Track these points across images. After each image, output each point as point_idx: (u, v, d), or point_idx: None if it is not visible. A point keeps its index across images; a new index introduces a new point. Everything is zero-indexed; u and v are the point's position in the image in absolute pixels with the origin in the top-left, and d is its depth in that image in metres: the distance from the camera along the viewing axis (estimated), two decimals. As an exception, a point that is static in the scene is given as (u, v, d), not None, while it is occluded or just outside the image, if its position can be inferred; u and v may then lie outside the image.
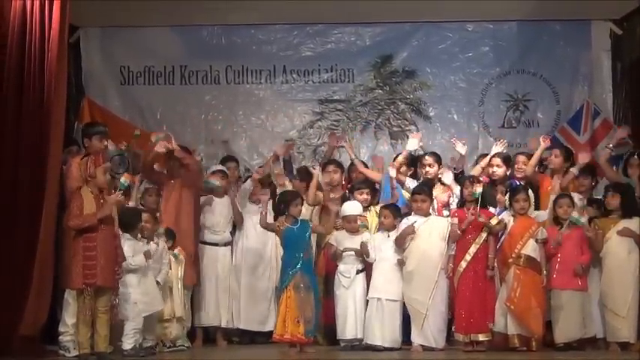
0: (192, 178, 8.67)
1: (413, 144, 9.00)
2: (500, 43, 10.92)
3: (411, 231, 8.01)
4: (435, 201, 8.46)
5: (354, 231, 8.26)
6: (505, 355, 7.36)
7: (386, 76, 10.97)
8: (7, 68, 7.49)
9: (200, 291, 8.71)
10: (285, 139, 10.66)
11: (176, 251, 8.17)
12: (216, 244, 8.82)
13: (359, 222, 8.33)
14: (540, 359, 6.86)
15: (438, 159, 8.85)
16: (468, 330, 7.78)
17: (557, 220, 8.13)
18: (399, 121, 10.94)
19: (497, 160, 8.74)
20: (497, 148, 8.87)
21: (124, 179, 7.43)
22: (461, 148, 8.98)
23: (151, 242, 7.79)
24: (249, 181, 9.04)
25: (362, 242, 8.14)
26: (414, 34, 10.97)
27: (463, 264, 7.87)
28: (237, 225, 8.90)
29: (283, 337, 7.71)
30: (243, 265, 8.85)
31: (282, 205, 7.94)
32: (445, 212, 8.45)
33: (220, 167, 9.05)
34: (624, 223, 8.05)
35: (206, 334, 8.83)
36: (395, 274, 8.10)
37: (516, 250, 7.88)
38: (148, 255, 7.57)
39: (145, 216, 7.90)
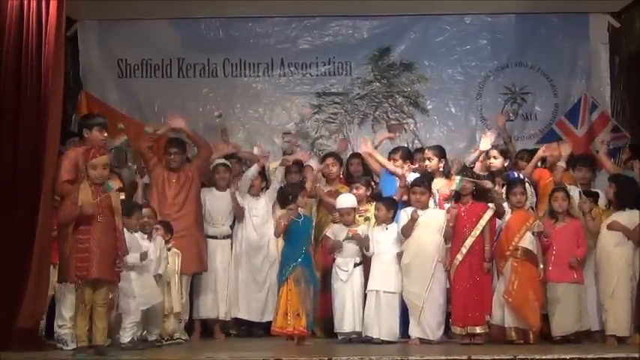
0: (203, 164, 8.84)
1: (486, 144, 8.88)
2: (498, 36, 10.94)
3: (416, 216, 8.02)
4: (437, 194, 8.46)
5: (348, 224, 8.27)
6: (503, 348, 7.36)
7: (384, 69, 10.97)
8: (5, 62, 7.47)
9: (199, 283, 8.73)
10: (283, 132, 10.68)
11: (160, 238, 8.13)
12: (215, 237, 8.83)
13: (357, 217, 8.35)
14: (538, 352, 6.85)
15: (438, 153, 8.83)
16: (465, 322, 7.80)
17: (553, 214, 8.14)
18: (397, 114, 10.94)
19: (494, 152, 8.76)
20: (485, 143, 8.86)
21: (112, 183, 7.39)
22: (485, 144, 8.84)
23: (146, 240, 7.75)
24: (252, 168, 9.00)
25: (362, 235, 8.16)
26: (411, 27, 10.98)
27: (459, 257, 7.87)
28: (237, 219, 8.92)
29: (284, 330, 7.74)
30: (242, 257, 8.87)
31: (291, 196, 7.98)
32: (447, 206, 8.42)
33: (222, 161, 9.04)
34: (614, 216, 8.04)
35: (204, 327, 8.84)
36: (393, 266, 8.11)
37: (513, 243, 7.88)
38: (143, 257, 7.53)
39: (146, 211, 7.91)
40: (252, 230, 8.88)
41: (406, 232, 8.07)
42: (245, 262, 8.87)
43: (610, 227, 7.99)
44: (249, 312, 8.82)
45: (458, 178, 8.16)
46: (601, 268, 8.00)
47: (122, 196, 7.89)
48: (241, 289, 8.83)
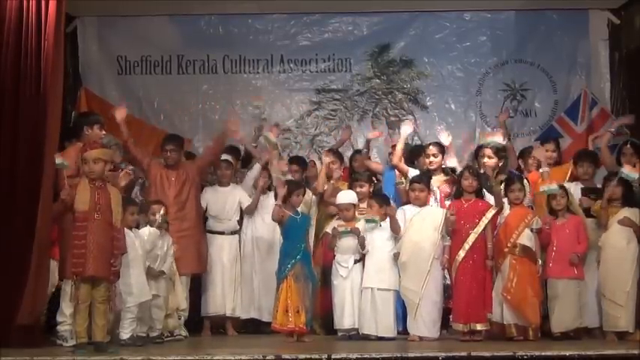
0: (205, 167, 8.90)
1: (407, 129, 8.91)
2: (498, 33, 10.94)
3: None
4: (438, 192, 8.46)
5: (348, 220, 8.27)
6: (502, 345, 7.37)
7: (383, 65, 10.97)
8: (4, 59, 7.47)
9: (206, 280, 8.73)
10: (283, 129, 10.68)
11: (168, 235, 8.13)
12: (222, 233, 8.83)
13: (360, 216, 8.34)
14: (537, 349, 6.85)
15: (442, 149, 8.82)
16: (467, 319, 7.79)
17: (552, 212, 8.14)
18: (397, 111, 10.95)
19: (488, 151, 8.73)
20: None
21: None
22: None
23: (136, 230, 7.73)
24: (254, 169, 8.97)
25: (359, 234, 8.16)
26: (411, 23, 10.98)
27: (461, 253, 7.86)
28: (248, 214, 8.89)
29: (285, 327, 7.77)
30: (253, 256, 8.86)
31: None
32: (448, 203, 8.40)
33: (224, 157, 9.02)
34: (625, 213, 8.04)
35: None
36: (387, 263, 8.10)
37: (512, 240, 7.88)
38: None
39: (157, 207, 7.90)
40: (263, 228, 8.81)
41: (394, 228, 8.07)
42: (257, 259, 8.84)
43: (622, 223, 7.98)
44: (259, 311, 8.81)
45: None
46: (612, 264, 7.96)
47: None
48: (249, 290, 8.82)
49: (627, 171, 8.07)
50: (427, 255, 7.99)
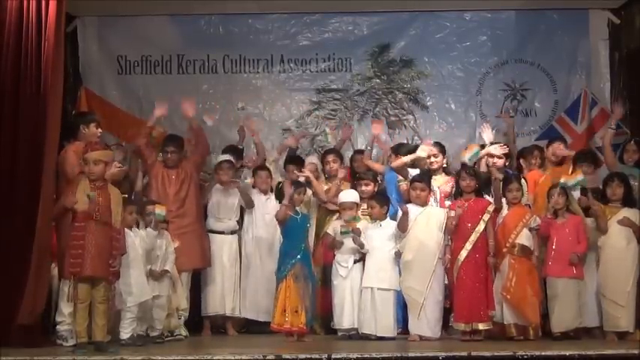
0: (200, 161, 8.90)
1: (423, 151, 8.69)
2: (498, 33, 10.94)
3: (405, 210, 8.00)
4: (438, 191, 8.46)
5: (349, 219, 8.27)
6: (502, 345, 7.36)
7: (383, 65, 10.97)
8: (4, 59, 7.48)
9: (206, 280, 8.73)
10: (283, 129, 10.70)
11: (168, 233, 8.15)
12: (222, 232, 8.83)
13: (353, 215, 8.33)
14: (537, 348, 6.85)
15: (443, 149, 8.82)
16: (469, 319, 7.78)
17: (554, 211, 8.14)
18: (397, 111, 10.94)
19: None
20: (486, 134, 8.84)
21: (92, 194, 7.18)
22: (488, 136, 8.84)
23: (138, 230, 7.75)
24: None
25: (360, 234, 8.15)
26: (411, 23, 10.98)
27: (463, 253, 7.85)
28: (247, 208, 8.88)
29: (282, 327, 7.77)
30: (254, 255, 8.86)
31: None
32: (448, 203, 8.39)
33: (226, 157, 9.01)
34: (624, 213, 8.04)
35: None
36: (387, 263, 8.10)
37: (510, 240, 7.88)
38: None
39: (152, 207, 7.91)
40: (263, 228, 8.82)
41: (402, 226, 8.05)
42: (257, 259, 8.84)
43: (621, 223, 7.98)
44: (256, 312, 8.80)
45: (475, 148, 8.12)
46: (612, 264, 7.97)
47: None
48: (250, 289, 8.82)
49: (564, 180, 8.21)
50: (432, 254, 7.99)
